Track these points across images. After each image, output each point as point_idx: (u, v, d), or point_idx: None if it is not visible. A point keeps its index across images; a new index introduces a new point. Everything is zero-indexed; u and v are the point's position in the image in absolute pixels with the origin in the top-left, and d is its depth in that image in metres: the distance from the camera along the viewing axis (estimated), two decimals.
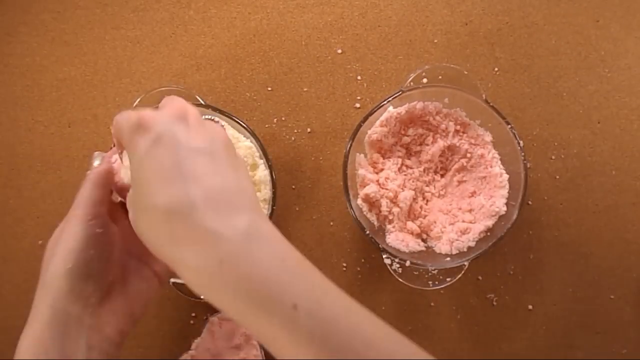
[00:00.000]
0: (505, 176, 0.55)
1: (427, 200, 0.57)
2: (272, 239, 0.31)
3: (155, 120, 0.32)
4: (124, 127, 0.33)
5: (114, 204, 0.41)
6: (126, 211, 0.36)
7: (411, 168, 0.57)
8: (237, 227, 0.30)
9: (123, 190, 0.40)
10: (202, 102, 0.54)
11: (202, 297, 0.31)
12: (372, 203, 0.55)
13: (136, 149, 0.32)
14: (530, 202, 0.60)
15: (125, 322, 0.37)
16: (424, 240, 0.56)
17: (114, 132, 0.35)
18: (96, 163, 0.41)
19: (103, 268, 0.37)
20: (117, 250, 0.38)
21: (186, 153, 0.31)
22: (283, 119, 0.62)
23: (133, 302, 0.38)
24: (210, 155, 0.32)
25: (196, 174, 0.31)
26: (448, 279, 0.52)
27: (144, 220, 0.32)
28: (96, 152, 0.42)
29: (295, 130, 0.61)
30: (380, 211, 0.54)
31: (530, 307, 0.59)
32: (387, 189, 0.54)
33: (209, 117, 0.48)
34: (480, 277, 0.60)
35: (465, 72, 0.55)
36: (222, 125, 0.47)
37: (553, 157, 0.61)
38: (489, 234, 0.54)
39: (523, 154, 0.53)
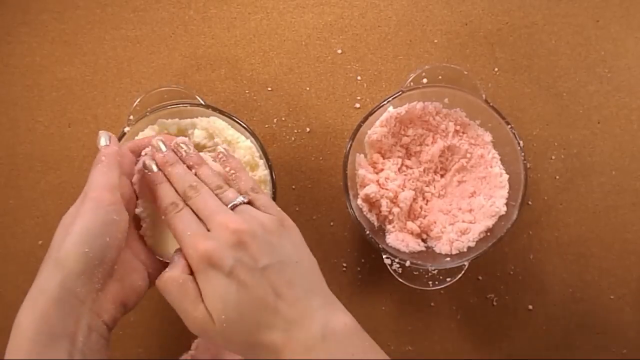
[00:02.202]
0: (505, 176, 0.55)
1: (427, 201, 0.57)
2: (344, 338, 0.37)
3: (221, 255, 0.37)
4: (198, 264, 0.37)
5: (127, 194, 0.42)
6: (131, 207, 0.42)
7: (411, 168, 0.57)
8: (312, 329, 0.36)
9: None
10: (202, 102, 0.54)
11: None
12: (372, 203, 0.55)
13: (212, 285, 0.37)
14: (530, 202, 0.60)
15: (119, 310, 0.39)
16: (424, 241, 0.56)
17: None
18: (103, 142, 0.42)
19: (114, 257, 0.38)
20: (124, 240, 0.40)
21: (259, 276, 0.37)
22: (283, 119, 0.62)
23: (128, 293, 0.40)
24: (277, 265, 0.38)
25: (276, 290, 0.37)
26: (448, 279, 0.52)
27: (241, 343, 0.37)
28: (101, 131, 0.42)
29: (295, 130, 0.61)
30: (380, 211, 0.54)
31: (530, 307, 0.59)
32: (387, 189, 0.54)
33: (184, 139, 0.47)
34: (480, 277, 0.60)
35: (465, 72, 0.55)
36: (225, 149, 0.46)
37: (553, 157, 0.61)
38: (489, 234, 0.54)
39: (523, 154, 0.53)
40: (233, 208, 0.40)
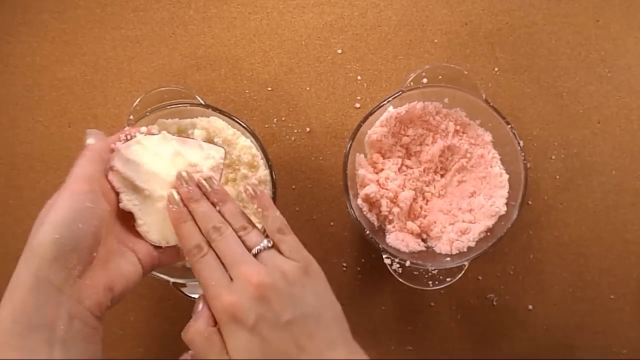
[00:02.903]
0: (505, 176, 0.55)
1: (427, 200, 0.57)
2: None
3: (244, 310, 0.37)
4: (222, 318, 0.38)
5: (109, 185, 0.42)
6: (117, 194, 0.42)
7: (411, 168, 0.57)
8: None
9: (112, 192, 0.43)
10: (202, 102, 0.54)
11: None
12: (372, 203, 0.55)
13: (236, 339, 0.37)
14: (530, 202, 0.60)
15: (104, 295, 0.38)
16: (424, 240, 0.56)
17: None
18: (90, 140, 0.42)
19: (89, 242, 0.37)
20: (104, 228, 0.39)
21: (282, 331, 0.37)
22: (283, 119, 0.62)
23: (113, 278, 0.39)
24: (299, 318, 0.38)
25: (298, 344, 0.37)
26: (448, 279, 0.52)
27: None
28: (89, 130, 0.43)
29: (295, 130, 0.61)
30: (380, 211, 0.54)
31: (530, 307, 0.59)
32: (387, 189, 0.54)
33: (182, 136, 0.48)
34: (480, 277, 0.60)
35: (465, 72, 0.55)
36: (253, 185, 0.45)
37: (553, 157, 0.61)
38: (489, 234, 0.54)
39: (523, 154, 0.53)
40: (257, 253, 0.40)
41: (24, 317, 0.34)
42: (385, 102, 0.54)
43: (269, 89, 0.62)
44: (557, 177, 0.61)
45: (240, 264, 0.39)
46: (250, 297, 0.37)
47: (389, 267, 0.52)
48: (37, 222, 0.38)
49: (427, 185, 0.57)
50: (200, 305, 0.40)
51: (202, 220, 0.41)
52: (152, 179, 0.44)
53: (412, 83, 0.56)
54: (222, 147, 0.49)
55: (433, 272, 0.53)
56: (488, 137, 0.56)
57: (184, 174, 0.43)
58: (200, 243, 0.41)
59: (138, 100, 0.53)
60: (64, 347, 0.35)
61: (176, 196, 0.42)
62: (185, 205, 0.42)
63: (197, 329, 0.38)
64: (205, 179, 0.43)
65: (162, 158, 0.45)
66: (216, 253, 0.40)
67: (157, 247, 0.44)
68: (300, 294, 0.39)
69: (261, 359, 0.36)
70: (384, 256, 0.52)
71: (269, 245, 0.41)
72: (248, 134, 0.53)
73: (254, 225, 0.42)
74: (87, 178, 0.39)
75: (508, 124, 0.53)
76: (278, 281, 0.38)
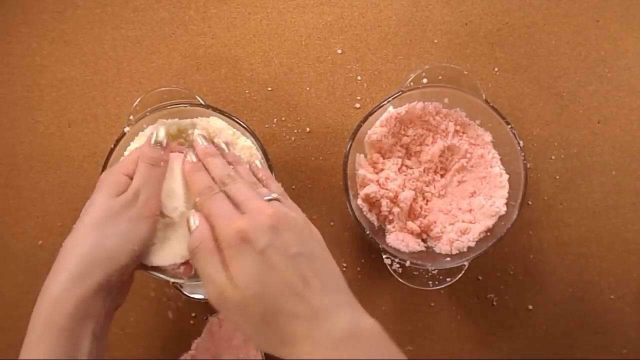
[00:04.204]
0: (505, 176, 0.55)
1: (427, 200, 0.57)
2: (372, 338, 0.38)
3: (256, 233, 0.37)
4: (231, 240, 0.37)
5: None
6: None
7: (411, 168, 0.57)
8: (339, 323, 0.36)
9: None
10: (202, 102, 0.54)
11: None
12: (372, 203, 0.55)
13: (243, 257, 0.36)
14: (530, 202, 0.60)
15: (113, 312, 0.43)
16: (424, 240, 0.56)
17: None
18: (161, 136, 0.47)
19: (127, 279, 0.43)
20: None
21: (290, 261, 0.37)
22: (283, 119, 0.62)
23: (118, 298, 0.44)
24: (307, 255, 0.38)
25: (304, 278, 0.36)
26: (448, 279, 0.52)
27: (262, 322, 0.36)
28: (161, 127, 0.48)
29: (295, 130, 0.61)
30: (380, 211, 0.54)
31: (530, 307, 0.59)
32: (387, 189, 0.54)
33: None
34: (480, 277, 0.60)
35: (465, 72, 0.55)
36: (260, 162, 0.49)
37: (553, 157, 0.61)
38: (489, 234, 0.54)
39: (523, 154, 0.53)
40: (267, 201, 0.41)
41: (84, 307, 0.38)
42: (385, 102, 0.54)
43: (269, 89, 0.62)
44: (557, 177, 0.61)
45: (253, 199, 0.40)
46: (262, 225, 0.37)
47: (389, 267, 0.52)
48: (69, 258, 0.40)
49: (427, 185, 0.57)
50: (200, 221, 0.40)
51: (216, 169, 0.44)
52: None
53: (412, 83, 0.56)
54: None
55: (433, 272, 0.53)
56: (488, 137, 0.56)
57: (201, 136, 0.47)
58: (211, 185, 0.42)
59: (138, 100, 0.53)
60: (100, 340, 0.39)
61: (193, 158, 0.45)
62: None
63: (203, 234, 0.39)
64: (223, 142, 0.48)
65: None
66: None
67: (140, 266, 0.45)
68: (308, 236, 0.39)
69: (263, 280, 0.36)
70: (384, 256, 0.52)
71: (278, 197, 0.42)
72: (248, 134, 0.53)
73: (264, 186, 0.45)
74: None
75: (508, 124, 0.53)
76: (289, 219, 0.39)
